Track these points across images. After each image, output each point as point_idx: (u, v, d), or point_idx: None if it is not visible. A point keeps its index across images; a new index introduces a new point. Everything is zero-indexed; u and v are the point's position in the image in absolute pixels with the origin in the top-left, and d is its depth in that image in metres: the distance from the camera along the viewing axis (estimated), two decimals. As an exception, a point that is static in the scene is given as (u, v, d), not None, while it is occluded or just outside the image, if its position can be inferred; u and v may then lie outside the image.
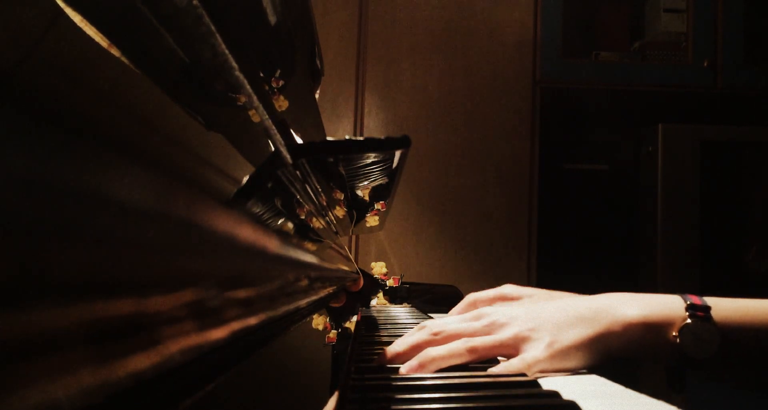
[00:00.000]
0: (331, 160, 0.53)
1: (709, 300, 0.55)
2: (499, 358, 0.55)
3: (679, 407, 0.37)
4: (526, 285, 2.08)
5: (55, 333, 0.10)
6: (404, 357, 0.54)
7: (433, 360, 0.52)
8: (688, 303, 0.55)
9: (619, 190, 2.06)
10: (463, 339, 0.54)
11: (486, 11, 2.02)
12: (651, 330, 0.53)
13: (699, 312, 0.54)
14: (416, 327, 0.59)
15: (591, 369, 0.53)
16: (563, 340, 0.52)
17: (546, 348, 0.52)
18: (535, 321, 0.54)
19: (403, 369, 0.52)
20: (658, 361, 0.54)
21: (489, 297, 0.88)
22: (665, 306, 0.56)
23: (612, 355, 0.53)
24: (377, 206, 0.92)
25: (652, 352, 0.54)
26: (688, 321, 0.53)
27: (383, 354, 0.55)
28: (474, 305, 0.88)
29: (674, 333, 0.53)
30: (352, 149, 0.49)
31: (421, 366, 0.51)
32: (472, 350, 0.53)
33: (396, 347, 0.56)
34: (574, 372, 0.52)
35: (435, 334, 0.56)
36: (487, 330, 0.56)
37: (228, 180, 0.30)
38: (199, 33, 0.27)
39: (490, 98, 2.00)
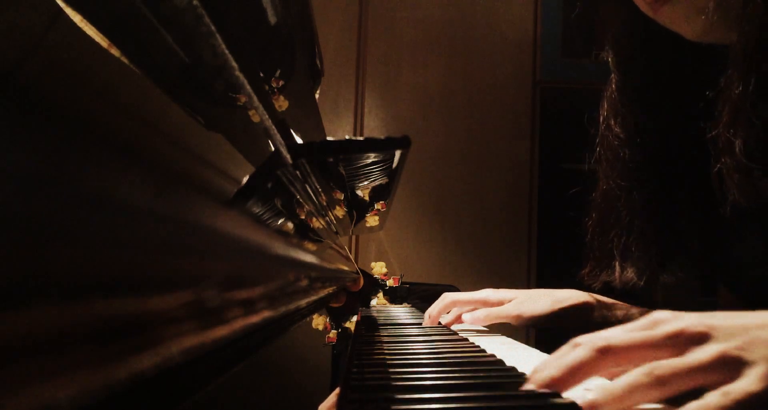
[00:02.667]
0: (331, 160, 0.53)
1: None
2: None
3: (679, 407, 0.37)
4: (525, 284, 2.08)
5: (55, 333, 0.10)
6: (562, 384, 0.40)
7: (614, 399, 0.37)
8: None
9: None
10: (649, 367, 0.38)
11: (486, 11, 2.02)
12: None
13: None
14: (569, 344, 0.42)
15: None
16: None
17: (764, 377, 0.36)
18: (744, 335, 0.39)
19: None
20: None
21: (470, 300, 0.88)
22: None
23: None
24: (377, 206, 0.92)
25: None
26: None
27: (534, 379, 0.41)
28: (454, 304, 0.88)
29: None
30: (352, 149, 0.49)
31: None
32: (660, 381, 0.38)
33: (550, 371, 0.41)
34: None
35: (602, 352, 0.41)
36: (673, 344, 0.40)
37: (228, 180, 0.30)
38: (199, 33, 0.27)
39: (490, 98, 2.00)
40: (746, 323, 0.40)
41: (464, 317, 0.80)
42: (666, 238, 0.70)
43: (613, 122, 0.78)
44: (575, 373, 0.40)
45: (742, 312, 0.42)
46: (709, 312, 0.42)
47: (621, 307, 0.86)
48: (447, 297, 0.90)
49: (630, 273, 0.71)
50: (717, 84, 0.61)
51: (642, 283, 0.69)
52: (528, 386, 0.41)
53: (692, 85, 0.69)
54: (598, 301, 0.83)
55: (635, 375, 0.38)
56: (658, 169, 0.73)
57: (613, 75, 0.77)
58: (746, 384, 0.36)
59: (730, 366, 0.38)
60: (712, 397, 0.36)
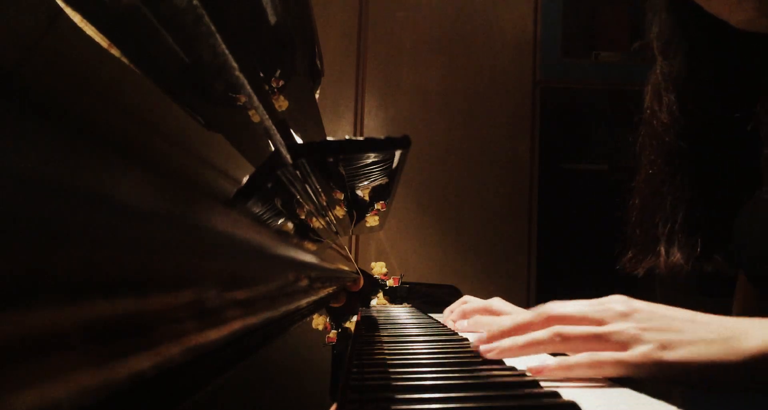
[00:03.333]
0: (331, 160, 0.53)
1: None
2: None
3: (679, 407, 0.37)
4: (525, 284, 2.08)
5: (55, 333, 0.10)
6: (506, 334, 0.54)
7: (515, 347, 0.51)
8: None
9: (619, 190, 2.06)
10: (553, 327, 0.51)
11: (486, 11, 2.02)
12: None
13: None
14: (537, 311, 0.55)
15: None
16: (679, 352, 0.46)
17: (646, 353, 0.47)
18: (654, 321, 0.49)
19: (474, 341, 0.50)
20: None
21: (476, 308, 0.90)
22: None
23: (751, 385, 0.46)
24: (377, 206, 0.92)
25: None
26: None
27: (489, 331, 0.55)
28: (464, 304, 0.90)
29: None
30: (352, 149, 0.49)
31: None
32: (560, 337, 0.51)
33: (503, 325, 0.55)
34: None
35: (544, 318, 0.54)
36: (600, 317, 0.51)
37: (228, 180, 0.30)
38: (199, 33, 0.27)
39: (490, 98, 2.00)
40: (666, 314, 0.49)
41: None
42: (711, 223, 0.72)
43: (656, 107, 0.79)
44: (518, 329, 0.53)
45: (667, 308, 0.51)
46: (654, 304, 0.52)
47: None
48: (464, 299, 0.92)
49: (676, 258, 0.72)
50: (764, 72, 0.63)
51: (688, 267, 0.72)
52: (477, 342, 0.54)
53: (737, 72, 0.70)
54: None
55: (541, 331, 0.50)
56: (702, 155, 0.74)
57: (658, 60, 0.78)
58: (628, 354, 0.47)
59: (626, 341, 0.48)
60: (580, 356, 0.48)
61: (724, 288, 1.89)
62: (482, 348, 0.54)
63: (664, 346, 0.47)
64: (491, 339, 0.54)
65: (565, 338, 0.50)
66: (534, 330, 0.53)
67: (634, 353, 0.47)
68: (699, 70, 0.73)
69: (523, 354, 0.52)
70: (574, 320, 0.52)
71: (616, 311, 0.51)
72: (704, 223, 0.72)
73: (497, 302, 0.89)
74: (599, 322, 0.51)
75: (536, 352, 0.52)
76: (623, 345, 0.48)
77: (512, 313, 0.84)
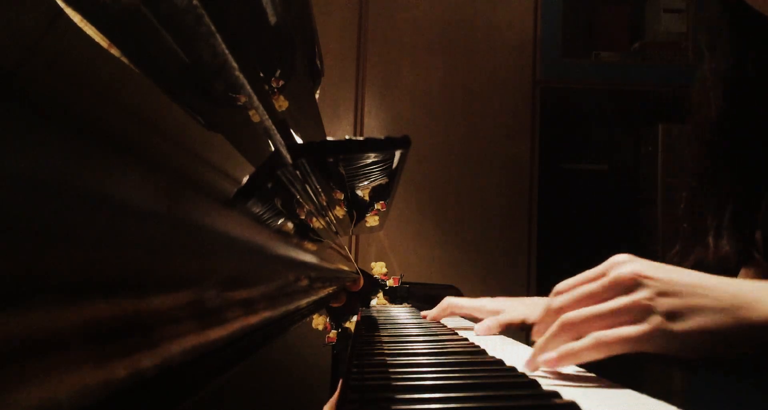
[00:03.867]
0: (331, 160, 0.53)
1: None
2: None
3: (679, 407, 0.37)
4: (525, 284, 2.08)
5: (55, 333, 0.10)
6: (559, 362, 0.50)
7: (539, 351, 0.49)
8: None
9: (619, 190, 2.06)
10: (560, 319, 0.50)
11: (486, 11, 2.02)
12: None
13: None
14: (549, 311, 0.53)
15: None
16: (690, 321, 0.45)
17: (658, 324, 0.46)
18: (662, 287, 0.48)
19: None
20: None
21: (467, 306, 0.90)
22: None
23: (735, 349, 0.46)
24: (377, 206, 0.92)
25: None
26: None
27: (536, 361, 0.51)
28: (449, 309, 0.91)
29: None
30: (352, 149, 0.49)
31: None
32: (570, 327, 0.49)
33: (547, 355, 0.51)
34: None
35: (555, 311, 0.52)
36: (612, 290, 0.50)
37: (228, 180, 0.30)
38: (199, 33, 0.27)
39: (490, 98, 2.00)
40: (675, 278, 0.48)
41: (476, 328, 0.82)
42: (758, 217, 0.73)
43: (703, 103, 0.80)
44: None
45: (686, 271, 0.50)
46: (662, 265, 0.51)
47: None
48: (445, 302, 0.92)
49: (725, 249, 0.72)
50: None
51: (738, 258, 0.72)
52: (529, 365, 0.51)
53: None
54: None
55: (550, 330, 0.49)
56: (749, 151, 0.75)
57: (705, 56, 0.79)
58: (635, 329, 0.45)
59: (637, 313, 0.46)
60: (612, 332, 0.46)
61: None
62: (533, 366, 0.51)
63: (673, 316, 0.46)
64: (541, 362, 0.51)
65: (572, 324, 0.49)
66: (547, 327, 0.51)
67: (642, 327, 0.46)
68: (745, 66, 0.73)
69: (562, 365, 0.50)
70: (582, 302, 0.50)
71: (622, 282, 0.49)
72: (752, 217, 0.73)
73: (486, 301, 0.90)
74: (610, 296, 0.49)
75: (570, 356, 0.49)
76: (634, 318, 0.47)
77: (510, 306, 0.85)
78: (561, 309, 0.52)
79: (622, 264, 0.51)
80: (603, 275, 0.52)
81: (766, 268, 0.67)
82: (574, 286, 0.53)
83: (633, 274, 0.49)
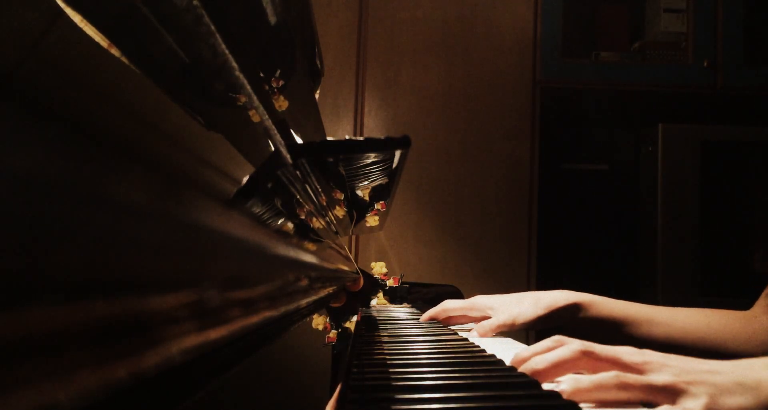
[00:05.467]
0: (331, 160, 0.53)
1: None
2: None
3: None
4: (525, 284, 2.08)
5: (55, 333, 0.10)
6: (544, 375, 0.51)
7: (579, 391, 0.47)
8: None
9: (619, 190, 2.06)
10: (616, 373, 0.49)
11: (486, 11, 2.02)
12: None
13: None
14: (553, 339, 0.54)
15: None
16: (724, 405, 0.47)
17: (704, 407, 0.47)
18: (692, 375, 0.49)
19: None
20: None
21: (460, 307, 0.91)
22: None
23: None
24: (377, 206, 0.92)
25: None
26: None
27: (522, 367, 0.52)
28: (445, 313, 0.91)
29: None
30: (352, 149, 0.49)
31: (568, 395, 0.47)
32: (623, 386, 0.48)
33: (536, 364, 0.52)
34: None
35: (585, 354, 0.52)
36: (640, 368, 0.51)
37: (228, 180, 0.30)
38: (199, 33, 0.27)
39: (490, 98, 2.00)
40: (694, 367, 0.50)
41: (470, 334, 0.83)
42: None
43: None
44: (557, 367, 0.51)
45: (690, 359, 0.53)
46: (667, 355, 0.53)
47: (614, 304, 0.88)
48: (440, 306, 0.94)
49: None
50: None
51: None
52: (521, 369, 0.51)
53: None
54: (590, 300, 0.86)
55: (604, 375, 0.48)
56: None
57: None
58: (687, 406, 0.47)
59: (675, 394, 0.48)
60: (665, 407, 0.46)
61: (724, 288, 1.89)
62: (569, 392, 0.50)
63: (713, 399, 0.47)
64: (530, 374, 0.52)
65: (626, 386, 0.49)
66: (571, 366, 0.52)
67: (690, 406, 0.47)
68: None
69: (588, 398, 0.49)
70: (616, 365, 0.51)
71: (656, 363, 0.51)
72: None
73: (477, 299, 0.91)
74: (634, 369, 0.51)
75: (599, 398, 0.49)
76: (672, 397, 0.48)
77: (497, 308, 0.86)
78: (590, 355, 0.52)
79: (641, 354, 0.52)
80: (636, 356, 0.52)
81: None
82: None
83: (664, 358, 0.51)
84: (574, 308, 0.85)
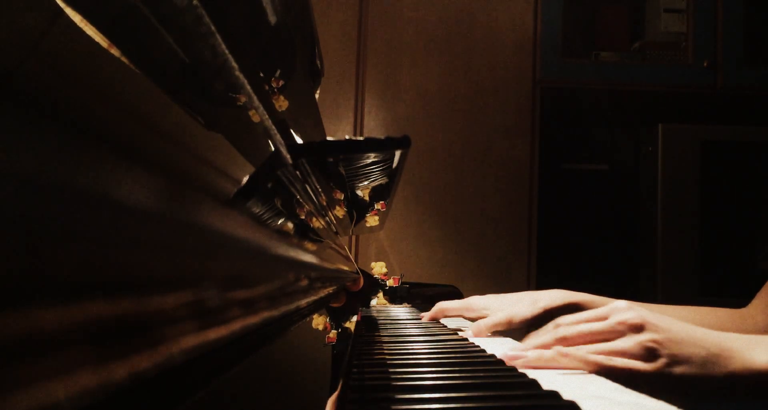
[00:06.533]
0: (331, 160, 0.53)
1: None
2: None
3: (679, 408, 0.37)
4: (525, 285, 2.08)
5: (55, 333, 0.10)
6: (535, 367, 0.54)
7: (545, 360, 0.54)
8: None
9: (619, 190, 2.06)
10: (589, 358, 0.53)
11: (486, 11, 2.02)
12: None
13: None
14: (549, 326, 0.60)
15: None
16: (682, 368, 0.52)
17: (662, 366, 0.52)
18: (666, 334, 0.54)
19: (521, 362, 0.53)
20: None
21: (456, 307, 0.91)
22: None
23: (726, 396, 0.53)
24: (377, 206, 0.92)
25: None
26: None
27: (516, 363, 0.55)
28: (442, 313, 0.91)
29: None
30: (352, 149, 0.49)
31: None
32: (600, 366, 0.53)
33: (528, 361, 0.55)
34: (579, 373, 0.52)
35: (559, 341, 0.57)
36: (617, 330, 0.55)
37: (228, 180, 0.30)
38: (199, 33, 0.27)
39: (490, 98, 2.00)
40: (667, 327, 0.54)
41: (467, 332, 0.83)
42: None
43: None
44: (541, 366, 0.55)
45: (670, 319, 0.57)
46: (652, 313, 0.57)
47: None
48: (436, 307, 0.94)
49: None
50: None
51: None
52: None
53: None
54: (586, 299, 0.86)
55: (543, 338, 0.54)
56: None
57: None
58: (648, 365, 0.51)
59: (645, 353, 0.52)
60: (620, 360, 0.52)
61: (724, 287, 1.89)
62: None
63: (674, 361, 0.52)
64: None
65: (603, 366, 0.53)
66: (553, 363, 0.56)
67: (649, 365, 0.51)
68: None
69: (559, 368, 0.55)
70: (587, 338, 0.56)
71: (630, 324, 0.55)
72: None
73: (474, 299, 0.91)
74: (616, 334, 0.55)
75: (571, 368, 0.54)
76: (639, 357, 0.53)
77: (493, 309, 0.87)
78: (564, 340, 0.57)
79: (626, 310, 0.57)
80: (605, 318, 0.57)
81: None
82: (578, 323, 0.58)
83: (641, 319, 0.55)
84: (571, 307, 0.85)
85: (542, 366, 0.53)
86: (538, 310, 0.84)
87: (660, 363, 0.52)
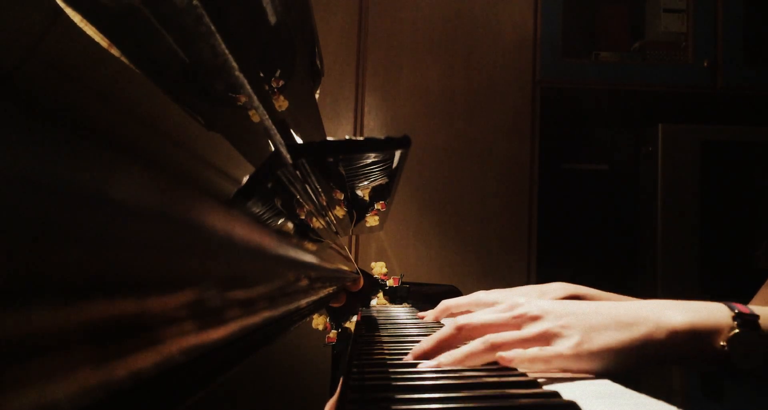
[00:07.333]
0: (331, 160, 0.53)
1: (756, 309, 0.54)
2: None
3: (679, 407, 0.37)
4: (525, 284, 2.08)
5: (55, 333, 0.10)
6: (431, 354, 0.55)
7: (455, 361, 0.52)
8: (736, 312, 0.54)
9: (619, 190, 2.06)
10: (485, 338, 0.53)
11: (486, 11, 2.02)
12: (696, 338, 0.52)
13: (747, 321, 0.53)
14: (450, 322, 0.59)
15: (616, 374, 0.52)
16: (594, 342, 0.51)
17: (573, 346, 0.51)
18: (568, 318, 0.53)
19: (423, 366, 0.52)
20: (697, 368, 0.55)
21: (464, 303, 0.91)
22: (711, 313, 0.54)
23: (649, 362, 0.52)
24: (377, 206, 0.92)
25: (695, 360, 0.53)
26: (737, 330, 0.52)
27: (412, 352, 0.56)
28: (447, 311, 0.90)
29: (722, 343, 0.52)
30: (352, 149, 0.49)
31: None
32: (494, 347, 0.52)
33: (423, 345, 0.56)
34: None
35: (459, 329, 0.56)
36: (516, 323, 0.55)
37: (228, 180, 0.30)
38: (199, 33, 0.27)
39: (490, 98, 2.00)
40: (574, 310, 0.54)
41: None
42: None
43: None
44: (440, 344, 0.55)
45: (578, 302, 0.57)
46: (556, 301, 0.58)
47: (606, 297, 0.89)
48: (443, 304, 0.93)
49: None
50: None
51: None
52: (407, 358, 0.55)
53: None
54: (588, 292, 0.87)
55: (473, 343, 0.52)
56: None
57: None
58: (558, 347, 0.51)
59: (550, 338, 0.52)
60: (533, 349, 0.51)
61: (724, 287, 1.89)
62: (419, 358, 0.56)
63: (584, 339, 0.51)
64: (418, 356, 0.56)
65: (498, 346, 0.53)
66: (453, 341, 0.56)
67: (561, 347, 0.51)
68: None
69: (463, 366, 0.54)
70: (491, 328, 0.55)
71: (529, 315, 0.54)
72: None
73: (482, 294, 0.90)
74: (514, 327, 0.55)
75: (474, 364, 0.54)
76: (547, 342, 0.52)
77: (503, 299, 0.87)
78: (463, 328, 0.56)
79: (525, 304, 0.56)
80: (509, 311, 0.57)
81: None
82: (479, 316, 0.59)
83: (538, 310, 0.54)
84: (572, 299, 0.85)
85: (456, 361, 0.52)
86: None
87: (571, 342, 0.51)
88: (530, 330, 0.53)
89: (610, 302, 0.56)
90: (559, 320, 0.53)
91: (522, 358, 0.51)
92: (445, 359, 0.52)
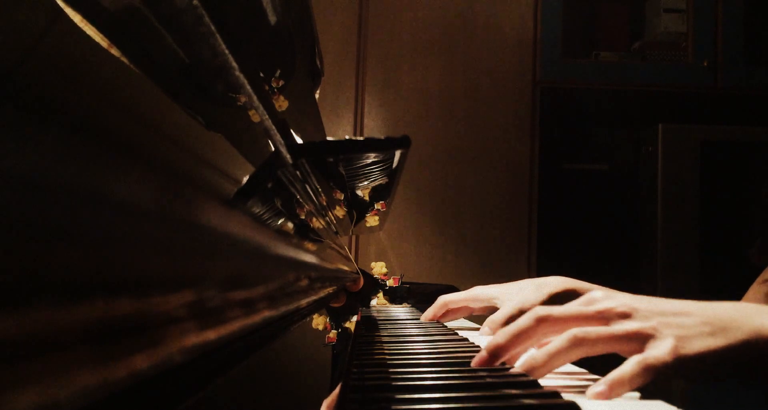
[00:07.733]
0: (331, 160, 0.53)
1: None
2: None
3: (679, 407, 0.37)
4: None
5: (55, 333, 0.10)
6: (507, 348, 0.48)
7: (536, 368, 0.45)
8: None
9: (619, 190, 2.06)
10: (569, 333, 0.46)
11: (486, 11, 2.02)
12: None
13: None
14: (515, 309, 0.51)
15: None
16: (691, 347, 0.45)
17: (672, 350, 0.44)
18: (659, 318, 0.47)
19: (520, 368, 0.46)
20: None
21: (461, 298, 0.90)
22: None
23: (744, 372, 0.46)
24: (377, 206, 0.92)
25: None
26: None
27: (486, 347, 0.49)
28: (445, 306, 0.90)
29: None
30: (352, 149, 0.49)
31: (528, 371, 0.45)
32: (580, 342, 0.45)
33: (498, 338, 0.49)
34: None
35: (539, 321, 0.49)
36: (602, 318, 0.48)
37: (228, 180, 0.30)
38: (199, 33, 0.27)
39: (490, 98, 2.00)
40: (663, 309, 0.48)
41: (483, 331, 0.81)
42: None
43: None
44: (518, 338, 0.48)
45: (660, 299, 0.51)
46: (637, 296, 0.52)
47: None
48: (440, 300, 0.92)
49: None
50: None
51: None
52: (480, 355, 0.48)
53: None
54: (584, 286, 0.86)
55: (558, 341, 0.46)
56: None
57: None
58: (658, 353, 0.44)
59: (642, 340, 0.45)
60: (634, 358, 0.44)
61: (724, 287, 1.89)
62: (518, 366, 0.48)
63: (680, 342, 0.45)
64: (492, 351, 0.49)
65: (585, 341, 0.46)
66: (532, 335, 0.49)
67: (659, 352, 0.44)
68: None
69: (551, 370, 0.47)
70: (570, 321, 0.49)
71: (616, 311, 0.48)
72: None
73: (479, 290, 0.90)
74: (599, 322, 0.48)
75: (562, 364, 0.47)
76: (639, 343, 0.46)
77: (501, 294, 0.85)
78: (545, 319, 0.49)
79: (606, 299, 0.50)
80: (586, 305, 0.51)
81: None
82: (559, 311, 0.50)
83: (625, 305, 0.48)
84: (570, 293, 0.85)
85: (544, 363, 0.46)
86: (544, 296, 0.82)
87: (667, 346, 0.44)
88: (622, 327, 0.46)
89: (692, 302, 0.49)
90: (650, 320, 0.47)
91: (622, 372, 0.43)
92: (522, 367, 0.46)
